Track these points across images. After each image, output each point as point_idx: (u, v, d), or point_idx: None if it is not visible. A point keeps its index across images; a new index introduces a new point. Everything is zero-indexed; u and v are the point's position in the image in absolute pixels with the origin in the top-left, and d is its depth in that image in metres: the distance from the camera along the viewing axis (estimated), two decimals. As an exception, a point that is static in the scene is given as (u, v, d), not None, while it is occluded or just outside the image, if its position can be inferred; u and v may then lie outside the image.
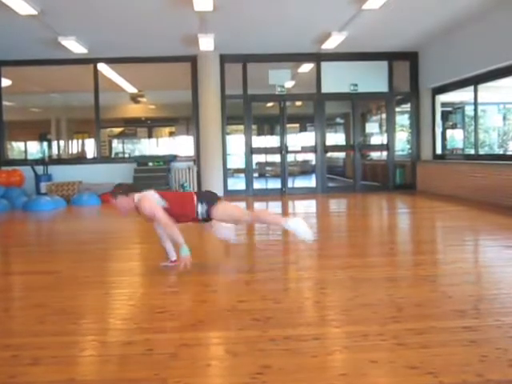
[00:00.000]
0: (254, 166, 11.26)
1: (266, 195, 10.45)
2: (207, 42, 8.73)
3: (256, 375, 2.00)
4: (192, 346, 2.34)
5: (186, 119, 14.17)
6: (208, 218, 3.89)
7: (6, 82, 10.83)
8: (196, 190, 3.44)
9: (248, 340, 2.38)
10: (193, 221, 3.93)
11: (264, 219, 4.15)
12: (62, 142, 15.12)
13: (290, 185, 11.05)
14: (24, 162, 11.58)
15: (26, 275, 3.98)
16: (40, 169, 10.14)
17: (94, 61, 10.34)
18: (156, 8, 7.26)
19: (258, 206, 8.18)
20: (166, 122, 16.19)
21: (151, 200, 3.74)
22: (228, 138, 10.84)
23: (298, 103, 13.18)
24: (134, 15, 7.62)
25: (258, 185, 11.19)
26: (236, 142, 13.15)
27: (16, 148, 15.62)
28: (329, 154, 11.68)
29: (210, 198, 3.88)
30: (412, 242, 5.29)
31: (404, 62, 10.72)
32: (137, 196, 3.80)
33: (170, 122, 16.05)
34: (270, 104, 12.59)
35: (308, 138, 14.75)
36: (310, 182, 11.93)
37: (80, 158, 14.26)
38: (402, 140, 12.39)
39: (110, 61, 10.51)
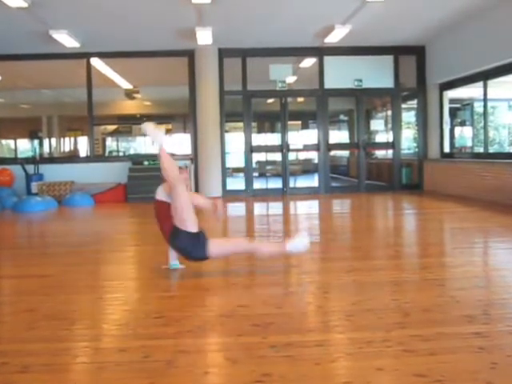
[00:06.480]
0: (253, 165, 11.21)
1: (266, 195, 10.35)
2: (205, 36, 8.67)
3: (256, 383, 1.97)
4: (189, 352, 2.30)
5: (182, 116, 14.10)
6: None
7: (-5, 78, 10.74)
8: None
9: (248, 347, 2.34)
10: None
11: (261, 254, 3.70)
12: (53, 140, 15.14)
13: (291, 184, 10.95)
14: (14, 160, 11.59)
15: (16, 279, 3.94)
16: (31, 168, 9.98)
17: (86, 55, 10.21)
18: (152, 0, 7.17)
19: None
20: (162, 119, 16.07)
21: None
22: (227, 135, 10.79)
23: (300, 99, 13.11)
24: (129, 7, 7.53)
25: (258, 184, 11.10)
26: (235, 140, 13.09)
27: (5, 146, 15.58)
28: (332, 153, 11.59)
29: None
30: (419, 245, 5.24)
31: (410, 56, 10.63)
32: None
33: (167, 119, 15.98)
34: (270, 100, 12.49)
35: (310, 135, 14.67)
36: (313, 181, 11.85)
37: (72, 157, 14.22)
38: (408, 138, 12.31)
39: (103, 55, 10.38)
